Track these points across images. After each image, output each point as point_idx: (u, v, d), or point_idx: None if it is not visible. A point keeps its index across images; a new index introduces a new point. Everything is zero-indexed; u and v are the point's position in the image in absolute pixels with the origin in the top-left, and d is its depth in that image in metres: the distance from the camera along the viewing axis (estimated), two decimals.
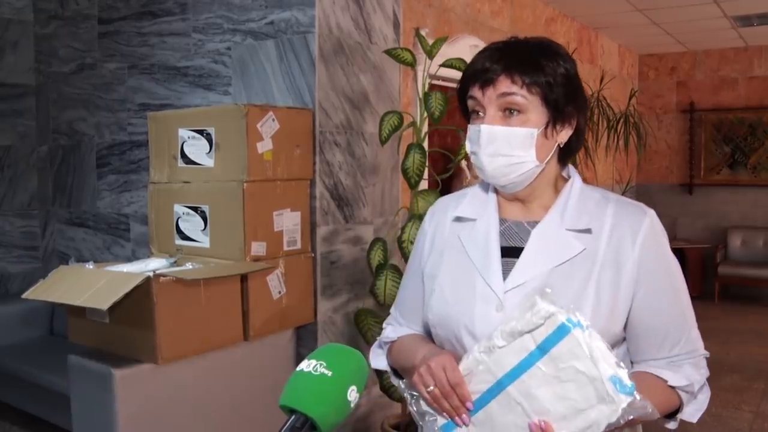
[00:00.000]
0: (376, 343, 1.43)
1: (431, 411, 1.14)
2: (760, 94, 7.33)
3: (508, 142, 1.16)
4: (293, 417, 0.83)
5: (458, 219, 1.29)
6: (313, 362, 0.87)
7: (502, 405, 1.08)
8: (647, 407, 1.02)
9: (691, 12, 5.72)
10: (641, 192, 7.73)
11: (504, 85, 1.15)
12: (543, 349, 1.06)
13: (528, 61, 1.16)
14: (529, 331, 1.07)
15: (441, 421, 1.13)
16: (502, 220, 1.25)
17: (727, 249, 7.35)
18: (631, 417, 1.02)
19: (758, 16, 5.84)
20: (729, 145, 7.47)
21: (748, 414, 4.05)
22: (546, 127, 1.18)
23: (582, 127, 1.24)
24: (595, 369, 1.03)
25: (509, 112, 1.16)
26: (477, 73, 1.18)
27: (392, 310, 1.45)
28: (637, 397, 1.02)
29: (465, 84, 1.22)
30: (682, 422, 1.26)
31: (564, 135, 1.21)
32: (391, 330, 1.40)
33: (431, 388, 1.12)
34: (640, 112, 6.89)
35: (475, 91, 1.19)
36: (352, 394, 0.86)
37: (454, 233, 1.28)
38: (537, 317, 1.07)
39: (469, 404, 1.10)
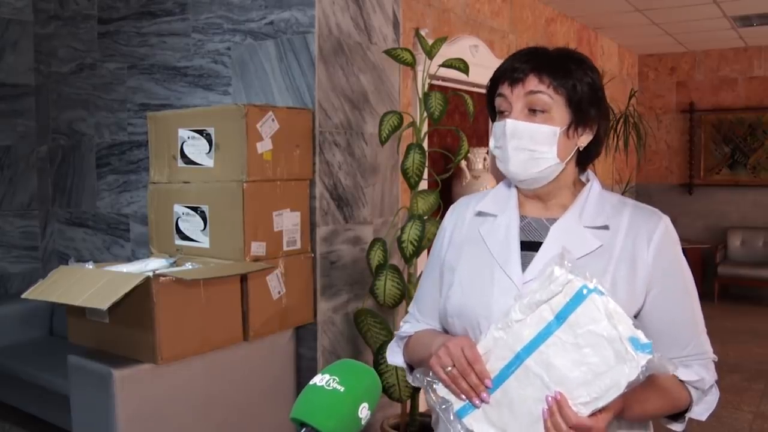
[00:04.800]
0: (394, 339, 1.47)
1: (447, 398, 1.14)
2: (760, 95, 7.33)
3: (531, 138, 1.21)
4: (303, 430, 0.84)
5: (479, 214, 1.35)
6: (327, 377, 0.88)
7: (521, 379, 1.09)
8: (666, 366, 1.04)
9: (691, 12, 5.72)
10: (641, 192, 7.72)
11: (532, 83, 1.21)
12: (561, 317, 1.07)
13: (556, 63, 1.22)
14: (547, 301, 1.09)
15: (457, 405, 1.13)
16: (522, 217, 1.30)
17: (726, 249, 7.35)
18: (649, 374, 1.04)
19: (758, 16, 5.85)
20: (729, 146, 7.47)
21: (748, 414, 4.05)
22: (568, 128, 1.23)
23: (602, 134, 1.29)
24: (614, 330, 1.04)
25: (533, 111, 1.21)
26: (506, 72, 1.24)
27: (410, 308, 1.49)
28: (656, 355, 1.03)
29: (494, 83, 1.28)
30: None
31: (584, 139, 1.26)
32: (408, 326, 1.44)
33: (449, 368, 1.13)
34: (640, 112, 6.90)
35: (504, 89, 1.24)
36: (364, 411, 0.87)
37: (474, 227, 1.33)
38: (555, 285, 1.09)
39: (487, 381, 1.11)
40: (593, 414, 1.05)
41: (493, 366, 1.11)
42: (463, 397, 1.13)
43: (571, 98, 1.21)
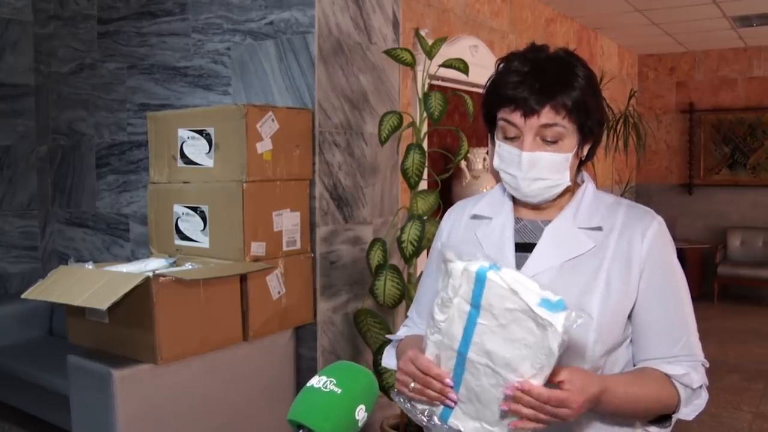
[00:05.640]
0: (390, 343, 1.49)
1: (426, 407, 1.16)
2: (760, 95, 7.33)
3: (547, 167, 1.21)
4: None
5: (475, 217, 1.35)
6: (324, 379, 0.88)
7: (473, 372, 1.10)
8: (582, 315, 1.04)
9: (691, 12, 5.72)
10: (641, 192, 7.73)
11: (548, 117, 1.18)
12: (475, 305, 1.08)
13: (564, 84, 1.19)
14: (457, 294, 1.10)
15: (439, 411, 1.15)
16: (518, 219, 1.31)
17: (726, 249, 7.35)
18: (575, 326, 1.03)
19: (758, 16, 5.85)
20: (728, 146, 7.47)
21: (748, 414, 4.05)
22: (577, 149, 1.24)
23: (599, 138, 1.30)
24: (522, 301, 1.04)
25: (545, 138, 1.20)
26: (518, 101, 1.19)
27: (409, 311, 1.50)
28: (571, 310, 1.03)
29: (496, 102, 1.24)
30: (682, 422, 1.26)
31: (586, 149, 1.28)
32: (404, 330, 1.45)
33: (411, 385, 1.14)
34: (640, 112, 6.90)
35: (515, 118, 1.20)
36: (360, 413, 0.88)
37: (471, 230, 1.34)
38: (455, 279, 1.10)
39: (447, 381, 1.11)
40: (555, 386, 1.05)
41: (447, 366, 1.12)
42: (437, 402, 1.14)
43: (584, 125, 1.21)
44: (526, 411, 1.04)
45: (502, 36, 4.88)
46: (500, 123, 1.24)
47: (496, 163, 1.27)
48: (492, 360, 1.07)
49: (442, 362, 1.12)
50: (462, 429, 1.13)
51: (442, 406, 1.14)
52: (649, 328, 1.23)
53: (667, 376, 1.21)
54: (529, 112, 1.19)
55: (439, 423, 1.14)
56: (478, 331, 1.08)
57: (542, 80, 1.19)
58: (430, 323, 1.14)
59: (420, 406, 1.16)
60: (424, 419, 1.16)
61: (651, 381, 1.20)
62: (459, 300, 1.09)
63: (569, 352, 1.15)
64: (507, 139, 1.24)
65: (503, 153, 1.24)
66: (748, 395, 4.35)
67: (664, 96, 7.84)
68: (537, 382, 1.05)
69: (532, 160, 1.20)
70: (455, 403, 1.12)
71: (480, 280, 1.07)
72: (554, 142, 1.20)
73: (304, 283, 2.93)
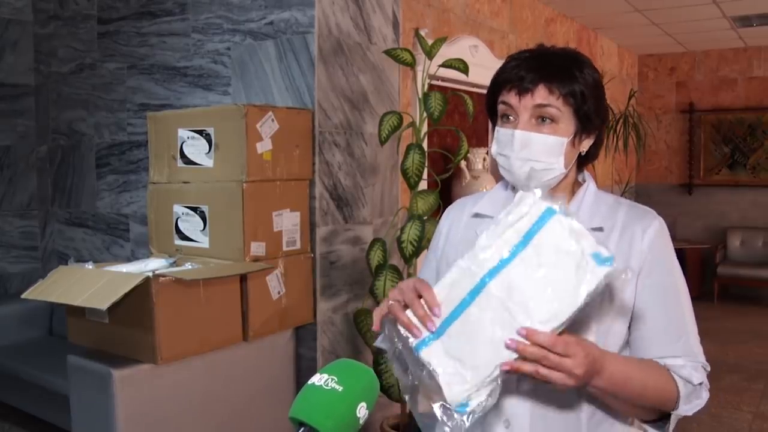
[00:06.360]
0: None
1: (405, 335, 1.09)
2: (760, 95, 7.33)
3: (539, 149, 1.21)
4: (301, 430, 0.84)
5: (476, 215, 1.35)
6: (325, 376, 0.88)
7: (482, 305, 1.06)
8: (627, 273, 1.03)
9: (691, 12, 5.72)
10: (640, 192, 7.73)
11: (541, 95, 1.19)
12: (526, 239, 1.06)
13: (564, 72, 1.20)
14: (514, 225, 1.08)
15: (414, 340, 1.08)
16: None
17: (726, 249, 7.35)
18: (606, 282, 1.02)
19: (758, 16, 5.85)
20: (728, 146, 7.47)
21: (748, 414, 4.05)
22: (574, 137, 1.23)
23: (602, 137, 1.30)
24: (576, 245, 1.03)
25: (541, 119, 1.21)
26: (514, 81, 1.21)
27: None
28: (616, 266, 1.02)
29: (497, 89, 1.26)
30: (682, 421, 1.25)
31: (586, 144, 1.27)
32: None
33: (390, 302, 1.09)
34: (640, 112, 6.90)
35: (511, 98, 1.22)
36: (362, 411, 0.87)
37: (471, 228, 1.33)
38: (524, 206, 1.09)
39: (436, 309, 1.07)
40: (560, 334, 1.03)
41: (456, 294, 1.07)
42: (419, 331, 1.08)
43: (579, 109, 1.21)
44: (527, 367, 1.01)
45: (502, 36, 4.88)
46: (499, 107, 1.25)
47: (493, 149, 1.27)
48: (510, 296, 1.04)
49: (455, 290, 1.08)
50: (432, 364, 1.06)
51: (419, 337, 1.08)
52: (647, 328, 1.22)
53: (667, 369, 1.20)
54: (523, 91, 1.20)
55: (408, 354, 1.08)
56: (514, 263, 1.05)
57: (542, 63, 1.21)
58: (470, 251, 1.09)
59: (402, 332, 1.08)
60: (397, 344, 1.09)
61: (651, 368, 1.19)
62: (512, 232, 1.08)
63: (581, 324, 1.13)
64: (504, 122, 1.25)
65: (499, 137, 1.25)
66: (748, 395, 4.35)
67: (664, 96, 7.84)
68: (544, 329, 1.01)
69: (524, 140, 1.20)
70: (429, 332, 1.06)
71: (545, 216, 1.06)
72: (551, 124, 1.20)
73: (304, 283, 2.93)
